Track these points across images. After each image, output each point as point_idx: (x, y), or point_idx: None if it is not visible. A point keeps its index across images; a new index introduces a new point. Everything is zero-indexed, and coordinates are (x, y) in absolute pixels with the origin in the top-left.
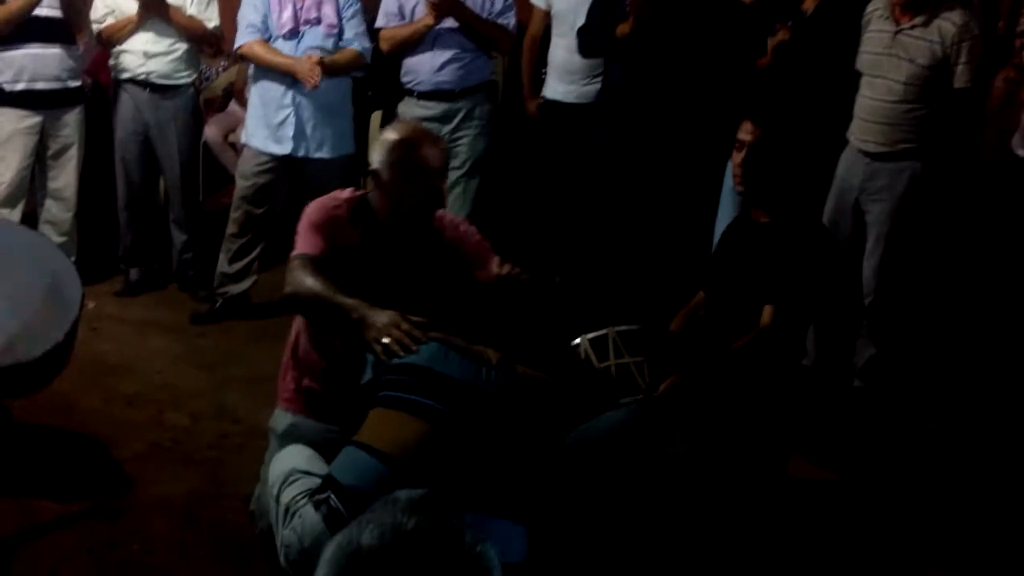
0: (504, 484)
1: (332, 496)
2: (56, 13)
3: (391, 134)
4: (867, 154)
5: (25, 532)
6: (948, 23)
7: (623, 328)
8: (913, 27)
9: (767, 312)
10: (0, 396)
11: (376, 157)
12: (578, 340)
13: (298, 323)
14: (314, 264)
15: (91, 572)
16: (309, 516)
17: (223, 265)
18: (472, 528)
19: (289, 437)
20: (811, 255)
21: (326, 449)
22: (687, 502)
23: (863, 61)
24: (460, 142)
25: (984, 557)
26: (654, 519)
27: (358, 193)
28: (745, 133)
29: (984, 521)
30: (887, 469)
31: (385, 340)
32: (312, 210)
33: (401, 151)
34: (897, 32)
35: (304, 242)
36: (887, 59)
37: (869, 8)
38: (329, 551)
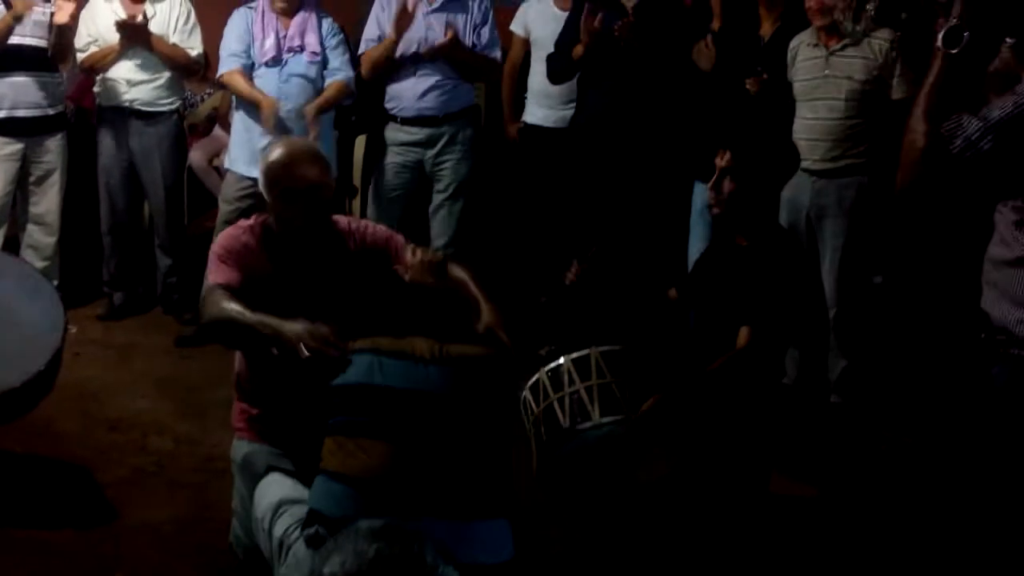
0: (479, 479)
1: (320, 528)
2: (36, 42)
3: (269, 155)
4: (812, 172)
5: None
6: (879, 40)
7: (605, 348)
8: (844, 47)
9: (743, 333)
10: None
11: (260, 180)
12: (561, 360)
13: (238, 354)
14: (226, 291)
15: None
16: (301, 553)
17: None
18: (433, 551)
19: (247, 465)
20: (784, 276)
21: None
22: (670, 520)
23: (799, 89)
24: (443, 166)
25: (963, 570)
26: (638, 536)
27: (262, 218)
28: (721, 159)
29: (963, 533)
30: (865, 483)
31: (302, 347)
32: (219, 240)
33: (275, 173)
34: (830, 54)
35: (215, 273)
36: (823, 81)
37: (794, 42)
38: None
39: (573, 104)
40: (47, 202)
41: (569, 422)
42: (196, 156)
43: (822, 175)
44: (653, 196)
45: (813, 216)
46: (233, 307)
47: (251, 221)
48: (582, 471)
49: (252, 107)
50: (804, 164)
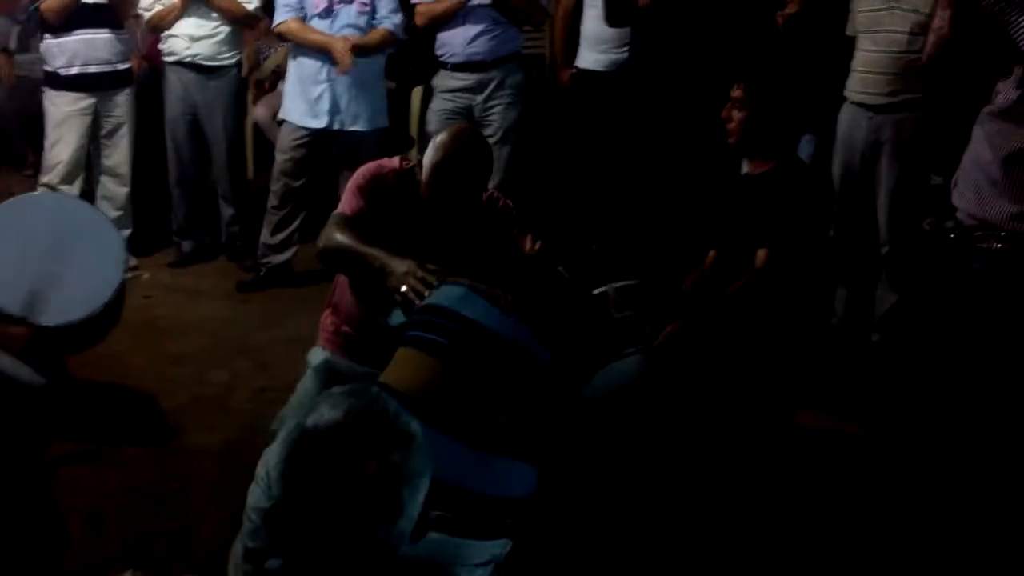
0: (518, 428)
1: None
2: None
3: (439, 138)
4: (869, 107)
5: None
6: None
7: (620, 284)
8: None
9: (760, 255)
10: (56, 353)
11: (426, 152)
12: (604, 289)
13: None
14: (347, 221)
15: (132, 508)
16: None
17: (266, 236)
18: (395, 404)
19: (323, 370)
20: (802, 198)
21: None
22: (693, 451)
23: (860, 20)
24: (492, 111)
25: (999, 512)
26: (663, 471)
27: (407, 164)
28: (739, 92)
29: (996, 474)
30: (906, 421)
31: (403, 288)
32: (360, 173)
33: (440, 159)
34: None
35: (345, 202)
36: (887, 13)
37: None
38: (281, 436)
39: (626, 48)
40: (118, 155)
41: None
42: (261, 111)
43: (879, 110)
44: (705, 139)
45: (868, 153)
46: (348, 236)
47: (397, 164)
48: (604, 414)
49: (306, 58)
50: (861, 98)
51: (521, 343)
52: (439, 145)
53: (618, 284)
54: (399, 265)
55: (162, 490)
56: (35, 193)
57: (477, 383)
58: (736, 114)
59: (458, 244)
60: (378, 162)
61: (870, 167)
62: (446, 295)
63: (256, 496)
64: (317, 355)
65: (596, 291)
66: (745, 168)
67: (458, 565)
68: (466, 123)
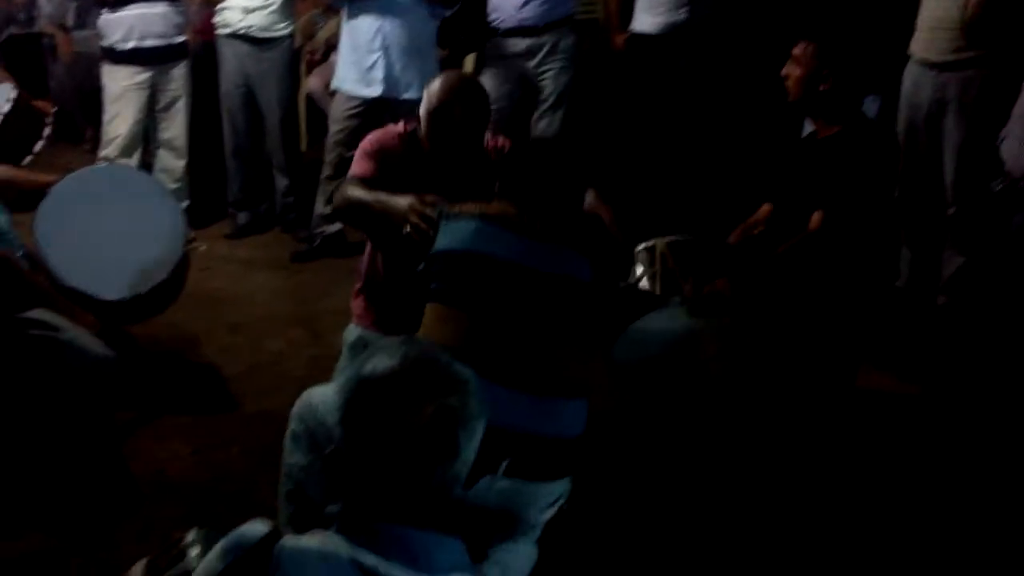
0: (559, 360)
1: None
2: None
3: (432, 84)
4: (934, 65)
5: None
6: None
7: (672, 238)
8: None
9: (815, 217)
10: (124, 322)
11: (421, 105)
12: (655, 243)
13: (367, 249)
14: (360, 181)
15: (195, 470)
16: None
17: (320, 207)
18: (444, 352)
19: (358, 347)
20: (861, 162)
21: None
22: (743, 412)
23: None
24: (545, 76)
25: None
26: (712, 429)
27: (412, 127)
28: (800, 51)
29: None
30: (965, 383)
31: (407, 228)
32: (367, 140)
33: (434, 108)
34: None
35: (355, 166)
36: None
37: None
38: (340, 384)
39: (681, 9)
40: (175, 128)
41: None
42: (315, 82)
43: (944, 68)
44: (762, 100)
45: (934, 111)
46: (356, 190)
47: (401, 127)
48: (649, 368)
49: (359, 27)
50: (926, 56)
51: (549, 268)
52: (431, 93)
53: (668, 238)
54: (400, 201)
55: (223, 454)
56: (96, 166)
57: (511, 326)
58: (795, 71)
59: (468, 192)
60: (383, 128)
61: (935, 126)
62: (460, 236)
63: (294, 454)
64: (352, 332)
65: (645, 244)
66: (809, 128)
67: (526, 509)
68: (455, 69)
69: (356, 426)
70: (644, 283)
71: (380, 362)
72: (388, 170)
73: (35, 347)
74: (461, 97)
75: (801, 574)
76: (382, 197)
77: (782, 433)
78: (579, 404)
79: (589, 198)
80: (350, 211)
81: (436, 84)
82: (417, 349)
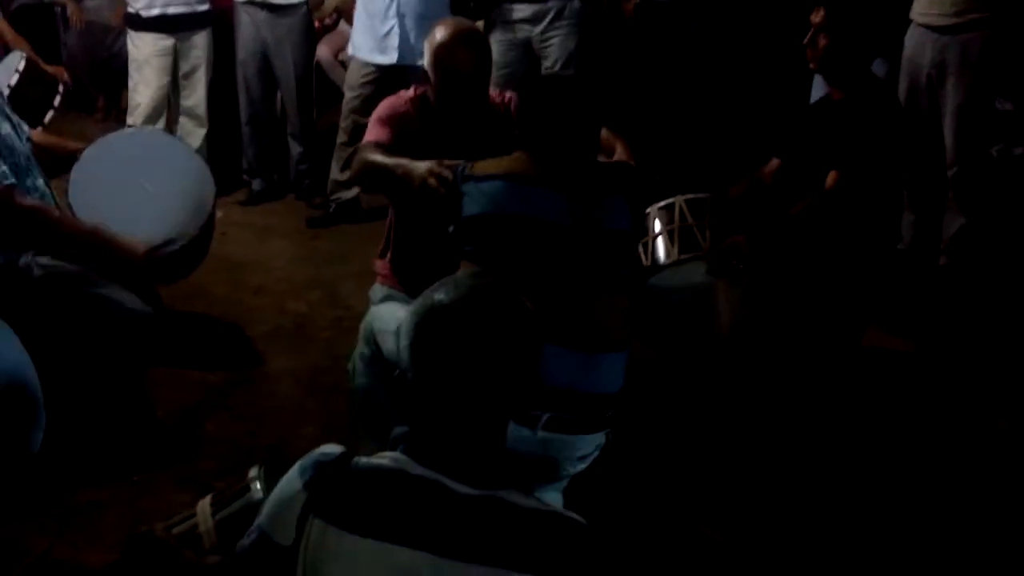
0: (602, 312)
1: None
2: None
3: (434, 34)
4: (934, 29)
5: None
6: None
7: (690, 196)
8: None
9: (831, 177)
10: (154, 282)
11: (424, 58)
12: (649, 209)
13: (391, 209)
14: (376, 146)
15: (227, 424)
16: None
17: (335, 173)
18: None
19: (387, 298)
20: (876, 124)
21: None
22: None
23: None
24: (551, 42)
25: None
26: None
27: (421, 90)
28: (820, 18)
29: None
30: (968, 340)
31: (427, 186)
32: (380, 106)
33: (439, 53)
34: None
35: (370, 132)
36: None
37: None
38: (411, 310)
39: None
40: (196, 95)
41: (651, 261)
42: (323, 51)
43: (944, 31)
44: (772, 62)
45: (935, 74)
46: (375, 155)
47: (412, 92)
48: (665, 322)
49: None
50: (926, 20)
51: (585, 223)
52: (433, 42)
53: (688, 196)
54: (420, 166)
55: (254, 410)
56: (125, 130)
57: (549, 283)
58: (821, 40)
59: (482, 148)
60: (395, 94)
61: (936, 89)
62: (489, 199)
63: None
64: (378, 292)
65: (665, 202)
66: (823, 90)
67: (563, 460)
68: (453, 17)
69: (423, 352)
70: (661, 241)
71: (449, 292)
72: (403, 134)
73: (77, 301)
74: (464, 40)
75: (811, 524)
76: (402, 162)
77: (791, 389)
78: (620, 357)
79: (602, 134)
80: (369, 176)
81: (437, 32)
82: (486, 282)
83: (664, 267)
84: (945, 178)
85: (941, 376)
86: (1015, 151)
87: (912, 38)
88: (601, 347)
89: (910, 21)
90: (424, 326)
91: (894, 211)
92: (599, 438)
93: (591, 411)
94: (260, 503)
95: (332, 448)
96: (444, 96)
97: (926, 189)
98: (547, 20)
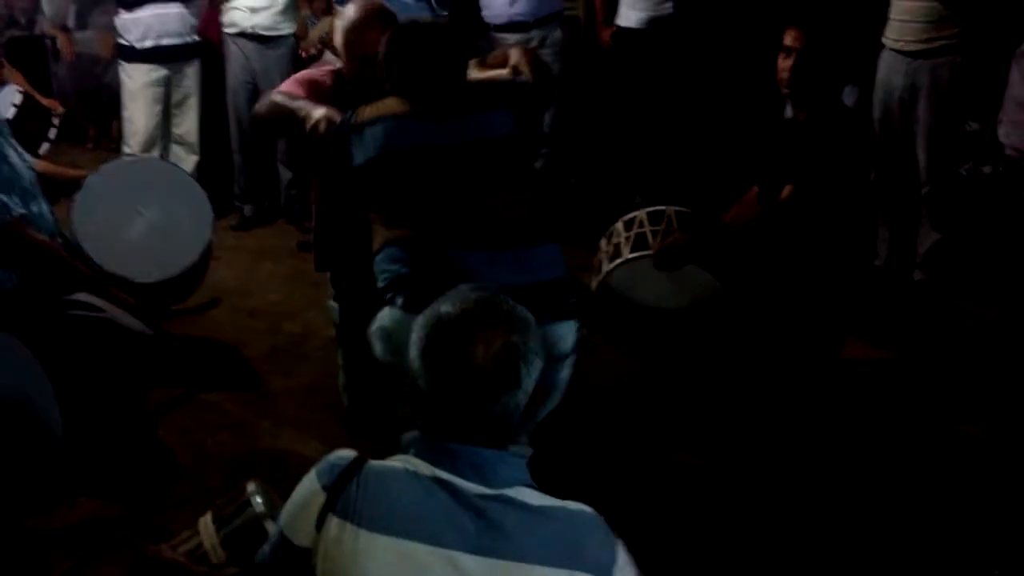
0: (524, 209)
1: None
2: None
3: (344, 14)
4: (906, 54)
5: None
6: None
7: (651, 209)
8: None
9: (786, 190)
10: (153, 307)
11: (336, 38)
12: (616, 223)
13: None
14: (282, 93)
15: (231, 443)
16: (399, 315)
17: None
18: (507, 297)
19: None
20: (832, 143)
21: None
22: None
23: None
24: None
25: None
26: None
27: (337, 67)
28: (792, 40)
29: None
30: (947, 350)
31: (320, 125)
32: (300, 74)
33: (348, 37)
34: None
35: (284, 86)
36: None
37: None
38: (418, 323)
39: (665, 3)
40: (187, 123)
41: (608, 261)
42: None
43: (916, 56)
44: (748, 88)
45: (906, 97)
46: (279, 97)
47: (331, 67)
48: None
49: None
50: (898, 45)
51: (465, 138)
52: (341, 25)
53: (649, 208)
54: (318, 109)
55: (254, 429)
56: (125, 158)
57: (455, 200)
58: (788, 62)
59: None
60: (316, 68)
61: (908, 111)
62: (373, 142)
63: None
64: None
65: (629, 216)
66: (790, 112)
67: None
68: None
69: (432, 359)
70: (622, 240)
71: (454, 304)
72: (317, 97)
73: (79, 325)
74: (372, 21)
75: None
76: (304, 104)
77: (772, 399)
78: (548, 248)
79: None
80: (273, 117)
81: (347, 12)
82: (485, 293)
83: (616, 267)
84: (919, 196)
85: (918, 385)
86: (984, 169)
87: (885, 62)
88: (514, 243)
89: (882, 46)
90: (431, 336)
91: (869, 228)
92: (572, 329)
93: (538, 301)
94: (261, 516)
95: (346, 452)
96: (355, 74)
97: (900, 207)
98: (532, 47)
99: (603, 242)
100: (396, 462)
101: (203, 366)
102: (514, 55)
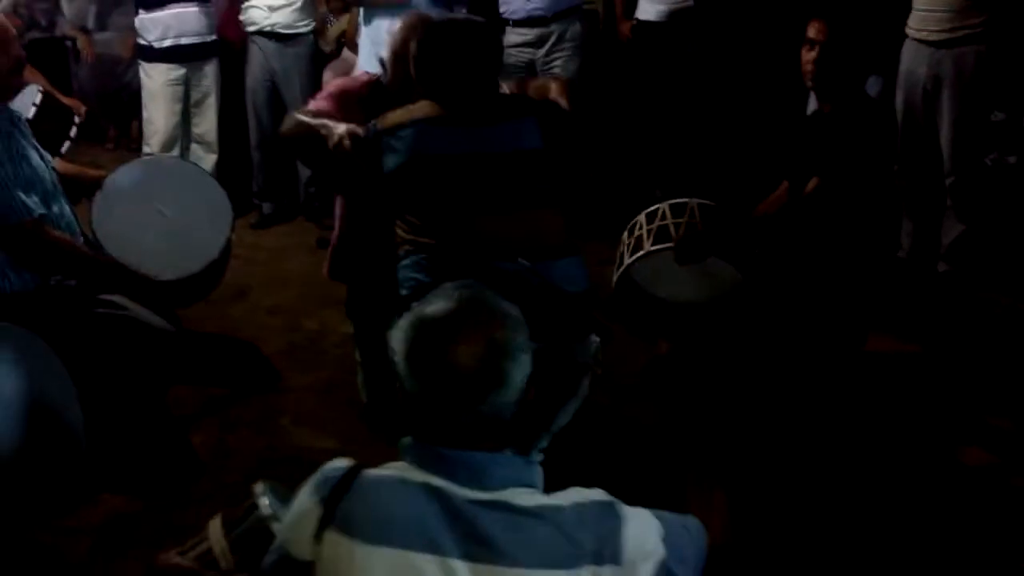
0: (550, 223)
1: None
2: None
3: (393, 35)
4: (929, 43)
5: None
6: None
7: (674, 201)
8: None
9: (811, 183)
10: (173, 305)
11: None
12: (639, 216)
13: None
14: (309, 111)
15: (252, 439)
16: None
17: None
18: (493, 294)
19: None
20: (858, 134)
21: None
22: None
23: None
24: (553, 64)
25: None
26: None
27: (375, 76)
28: (816, 32)
29: None
30: (968, 342)
31: (342, 146)
32: (332, 84)
33: (395, 50)
34: None
35: (315, 103)
36: None
37: None
38: (401, 324)
39: None
40: (206, 123)
41: (630, 253)
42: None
43: (939, 45)
44: (771, 80)
45: (931, 87)
46: (304, 116)
47: (364, 77)
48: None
49: (378, 22)
50: (921, 35)
51: (497, 148)
52: (393, 38)
53: (671, 200)
54: (340, 126)
55: (274, 424)
56: (145, 157)
57: (481, 209)
58: (811, 54)
59: None
60: (351, 76)
61: (932, 101)
62: (404, 147)
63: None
64: None
65: (651, 208)
66: (814, 105)
67: None
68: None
69: (415, 361)
70: (643, 239)
71: (435, 304)
72: (347, 109)
73: (102, 323)
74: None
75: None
76: (326, 121)
77: (796, 391)
78: (572, 261)
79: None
80: (296, 135)
81: (400, 26)
82: (468, 291)
83: (638, 259)
84: (943, 187)
85: (943, 378)
86: (1009, 160)
87: (908, 52)
88: (540, 257)
89: (905, 36)
90: (414, 338)
91: (893, 219)
92: (591, 341)
93: (573, 313)
94: (269, 518)
95: (340, 462)
96: (399, 88)
97: (924, 198)
98: (550, 43)
99: (625, 235)
100: (391, 470)
101: (223, 363)
102: (554, 88)
